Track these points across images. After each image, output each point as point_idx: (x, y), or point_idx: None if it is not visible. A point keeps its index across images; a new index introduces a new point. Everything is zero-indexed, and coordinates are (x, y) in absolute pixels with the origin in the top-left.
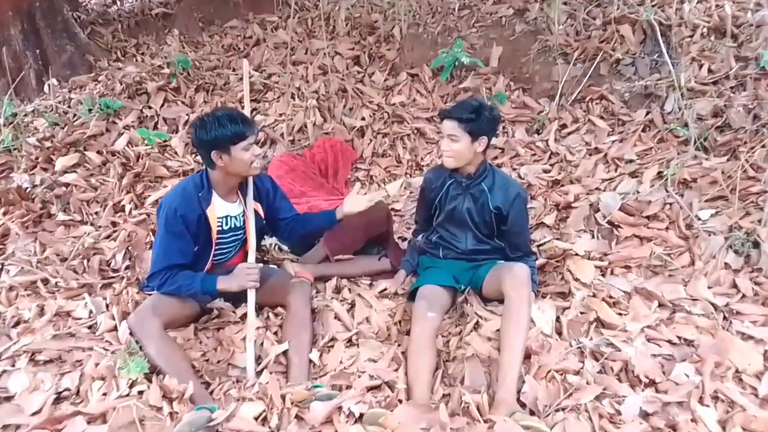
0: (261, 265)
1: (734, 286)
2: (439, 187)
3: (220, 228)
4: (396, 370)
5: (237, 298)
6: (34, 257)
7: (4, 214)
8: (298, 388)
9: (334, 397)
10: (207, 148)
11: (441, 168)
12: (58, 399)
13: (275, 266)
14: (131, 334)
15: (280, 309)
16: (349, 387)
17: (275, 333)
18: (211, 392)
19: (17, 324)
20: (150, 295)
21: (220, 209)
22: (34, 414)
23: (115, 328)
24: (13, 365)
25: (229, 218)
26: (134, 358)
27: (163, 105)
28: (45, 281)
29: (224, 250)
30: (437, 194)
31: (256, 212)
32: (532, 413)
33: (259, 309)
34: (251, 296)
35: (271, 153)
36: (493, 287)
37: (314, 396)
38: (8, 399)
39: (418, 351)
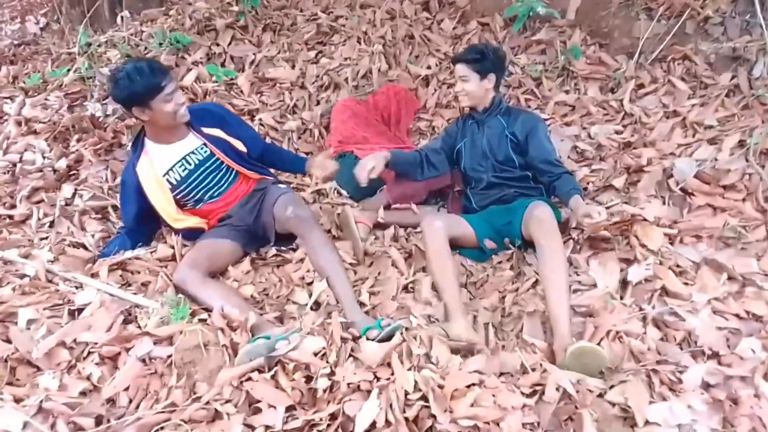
0: None
1: None
2: (460, 130)
3: (187, 171)
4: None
5: (289, 239)
6: (105, 184)
7: (78, 140)
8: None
9: (398, 328)
10: (126, 105)
11: (459, 118)
12: (126, 321)
13: (279, 184)
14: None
15: None
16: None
17: None
18: None
19: None
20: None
21: (171, 156)
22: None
23: (173, 258)
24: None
25: (189, 156)
26: (178, 307)
27: (230, 43)
28: (115, 207)
29: (207, 187)
30: (457, 136)
31: (215, 137)
32: None
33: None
34: None
35: (334, 97)
36: (527, 232)
37: (379, 331)
38: (79, 315)
39: (436, 260)
